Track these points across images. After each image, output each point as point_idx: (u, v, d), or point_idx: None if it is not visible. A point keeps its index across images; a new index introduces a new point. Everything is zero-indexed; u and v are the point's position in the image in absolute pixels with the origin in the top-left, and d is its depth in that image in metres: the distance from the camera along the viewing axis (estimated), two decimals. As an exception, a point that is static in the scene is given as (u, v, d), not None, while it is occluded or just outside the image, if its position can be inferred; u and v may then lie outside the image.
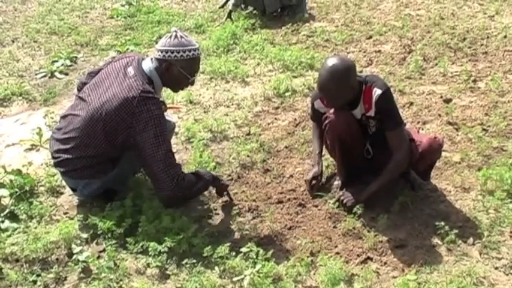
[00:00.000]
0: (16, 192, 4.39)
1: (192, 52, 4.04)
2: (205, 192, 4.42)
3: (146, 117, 3.90)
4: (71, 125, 4.14)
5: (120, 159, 4.18)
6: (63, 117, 4.31)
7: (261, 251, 3.73)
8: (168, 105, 4.63)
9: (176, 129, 5.34)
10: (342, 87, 3.97)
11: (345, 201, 4.19)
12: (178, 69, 4.05)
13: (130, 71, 4.08)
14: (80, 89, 4.51)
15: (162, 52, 4.02)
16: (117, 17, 8.99)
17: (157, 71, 4.08)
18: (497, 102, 5.58)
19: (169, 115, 4.74)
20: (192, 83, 4.24)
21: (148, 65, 4.11)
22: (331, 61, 3.98)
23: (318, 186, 4.45)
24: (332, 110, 4.18)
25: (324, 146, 4.52)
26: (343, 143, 4.22)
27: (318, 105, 4.35)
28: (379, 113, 4.07)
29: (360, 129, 4.22)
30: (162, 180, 3.98)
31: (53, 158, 4.28)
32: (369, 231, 3.99)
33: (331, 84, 3.96)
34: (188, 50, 4.02)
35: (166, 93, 5.98)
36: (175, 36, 4.03)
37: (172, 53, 4.00)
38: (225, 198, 4.40)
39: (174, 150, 4.87)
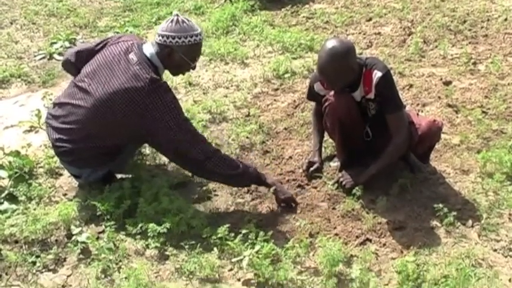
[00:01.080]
0: (15, 173, 4.38)
1: (194, 38, 3.98)
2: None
3: (160, 106, 3.85)
4: (73, 116, 4.05)
5: (126, 144, 4.16)
6: (60, 104, 4.21)
7: (260, 232, 3.73)
8: None
9: (175, 111, 5.34)
10: (341, 70, 3.96)
11: (344, 183, 4.19)
12: (180, 55, 4.00)
13: (133, 57, 3.99)
14: (67, 69, 4.48)
15: (163, 37, 3.96)
16: (116, -2, 8.96)
17: (158, 55, 4.02)
18: (497, 85, 5.57)
19: None
20: (194, 68, 4.21)
21: (149, 50, 4.03)
22: (331, 43, 3.96)
23: (314, 171, 4.44)
24: (332, 93, 4.17)
25: (323, 142, 4.58)
26: (343, 126, 4.22)
27: (317, 87, 4.33)
28: (379, 96, 4.06)
29: (359, 112, 4.21)
30: (194, 155, 3.94)
31: (55, 146, 4.20)
32: (368, 213, 4.00)
33: (331, 67, 3.94)
34: (190, 35, 3.96)
35: (165, 74, 5.94)
36: (177, 21, 3.96)
37: (173, 38, 3.94)
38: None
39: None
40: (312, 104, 4.70)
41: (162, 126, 3.87)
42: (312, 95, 4.46)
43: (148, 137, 4.01)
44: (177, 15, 3.99)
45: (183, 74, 4.34)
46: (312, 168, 4.41)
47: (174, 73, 4.29)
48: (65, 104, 4.16)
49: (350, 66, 3.98)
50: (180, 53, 3.99)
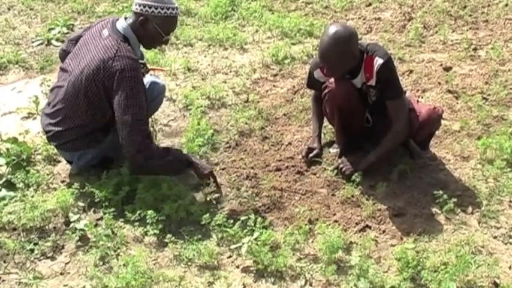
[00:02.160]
0: (13, 160, 4.36)
1: (170, 11, 3.97)
2: (204, 161, 4.41)
3: (120, 77, 3.85)
4: (57, 98, 4.12)
5: (113, 126, 4.11)
6: (51, 90, 4.30)
7: (259, 219, 3.73)
8: (150, 67, 4.56)
9: (174, 97, 5.33)
10: (343, 56, 3.92)
11: (343, 169, 4.18)
12: (154, 26, 3.98)
13: (105, 32, 4.03)
14: (61, 57, 4.48)
15: (140, 6, 3.95)
16: (114, -17, 8.89)
17: (131, 27, 4.02)
18: (498, 71, 5.54)
19: (157, 78, 4.71)
20: (166, 43, 4.19)
21: (121, 24, 4.05)
22: (333, 29, 3.92)
23: (314, 157, 4.42)
24: (332, 80, 4.14)
25: (322, 128, 4.57)
26: (342, 112, 4.20)
27: (317, 75, 4.30)
28: (380, 83, 4.03)
29: (359, 98, 4.19)
30: (127, 143, 3.89)
31: (45, 132, 4.25)
32: (367, 200, 3.99)
33: (333, 53, 3.90)
34: (167, 7, 3.95)
35: (164, 61, 5.94)
36: None
37: (150, 8, 3.93)
38: (211, 187, 4.11)
39: (171, 118, 4.91)
40: (311, 90, 4.67)
41: (116, 98, 3.88)
42: (311, 82, 4.43)
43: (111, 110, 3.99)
44: None
45: (155, 47, 4.36)
46: (311, 155, 4.39)
47: (147, 45, 4.23)
48: (53, 88, 4.27)
49: (352, 52, 3.95)
50: (154, 24, 3.97)
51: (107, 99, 3.96)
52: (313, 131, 4.55)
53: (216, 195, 4.07)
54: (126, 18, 4.07)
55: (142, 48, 4.24)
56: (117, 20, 4.12)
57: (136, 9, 3.98)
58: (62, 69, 4.22)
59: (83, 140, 4.13)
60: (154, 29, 3.99)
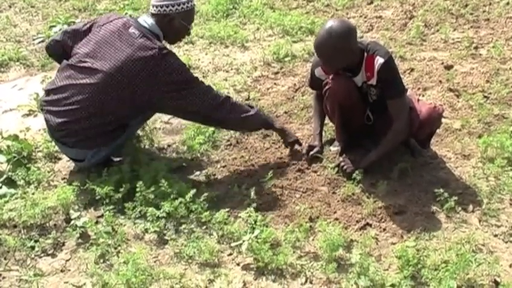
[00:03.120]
0: (14, 157, 4.36)
1: (190, 3, 4.17)
2: (204, 158, 4.42)
3: (171, 71, 3.99)
4: (78, 96, 4.01)
5: (130, 123, 4.20)
6: (57, 89, 4.13)
7: (260, 217, 3.73)
8: None
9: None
10: (338, 50, 3.90)
11: (344, 167, 4.17)
12: (180, 21, 4.15)
13: (134, 31, 4.07)
14: (52, 47, 4.46)
15: (161, 7, 4.09)
16: (116, -19, 8.89)
17: (158, 25, 4.14)
18: (499, 69, 5.54)
19: None
20: (189, 33, 4.37)
21: (147, 21, 4.14)
22: (331, 23, 3.92)
23: (315, 154, 4.41)
24: (332, 77, 4.14)
25: (323, 126, 4.56)
26: (343, 109, 4.20)
27: (318, 73, 4.30)
28: (381, 82, 4.02)
29: (360, 96, 4.18)
30: (207, 106, 4.13)
31: (57, 131, 4.14)
32: (368, 197, 3.98)
33: (328, 45, 3.89)
34: (186, 1, 4.13)
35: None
36: None
37: (173, 6, 4.09)
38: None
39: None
40: (311, 95, 4.67)
41: (175, 90, 4.03)
42: (313, 81, 4.42)
43: (162, 104, 4.11)
44: None
45: (180, 40, 4.50)
46: (312, 152, 4.38)
47: (173, 41, 4.44)
48: (65, 86, 4.11)
49: (348, 47, 3.93)
50: (180, 19, 4.15)
51: (145, 97, 4.03)
52: (314, 129, 4.54)
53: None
54: (147, 16, 4.17)
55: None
56: (136, 19, 4.21)
57: (159, 10, 4.11)
58: (79, 68, 4.08)
59: (102, 138, 4.12)
60: (180, 24, 4.18)
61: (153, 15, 4.12)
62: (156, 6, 4.09)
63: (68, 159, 4.39)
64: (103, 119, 4.05)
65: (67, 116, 4.06)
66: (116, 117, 4.09)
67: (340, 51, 3.92)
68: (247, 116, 4.22)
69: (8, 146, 4.44)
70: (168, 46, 4.19)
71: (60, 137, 4.18)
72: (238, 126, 4.40)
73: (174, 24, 4.14)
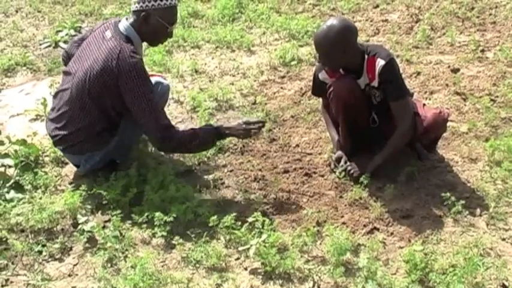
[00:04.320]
0: (21, 162, 4.37)
1: (169, 1, 4.03)
2: (211, 162, 4.42)
3: (127, 77, 3.90)
4: (62, 100, 4.14)
5: (119, 127, 4.17)
6: (54, 96, 4.31)
7: (267, 221, 3.72)
8: (150, 74, 4.58)
9: (181, 99, 5.35)
10: (337, 44, 3.93)
11: (351, 171, 4.17)
12: (157, 18, 4.02)
13: (108, 34, 4.06)
14: (64, 59, 4.52)
15: (139, 3, 4.01)
16: (122, -15, 8.90)
17: (134, 26, 4.07)
18: (506, 73, 5.52)
19: (163, 78, 4.71)
20: (171, 35, 4.23)
21: (123, 24, 4.09)
22: (331, 20, 3.99)
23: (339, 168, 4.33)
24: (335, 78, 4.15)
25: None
26: (347, 109, 4.19)
27: (322, 76, 4.29)
28: (383, 84, 4.03)
29: (364, 97, 4.18)
30: (151, 137, 4.09)
31: (51, 137, 4.26)
32: (375, 201, 3.98)
33: (325, 40, 3.93)
34: None
35: (171, 63, 5.95)
36: None
37: (149, 2, 3.98)
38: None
39: (179, 120, 4.91)
40: (319, 100, 4.66)
41: (129, 98, 3.94)
42: (316, 88, 4.42)
43: (124, 111, 4.04)
44: None
45: (162, 42, 4.34)
46: (342, 162, 4.30)
47: (152, 41, 4.29)
48: (57, 93, 4.28)
49: (347, 44, 3.96)
50: (157, 16, 4.02)
51: (112, 100, 4.00)
52: (333, 139, 4.49)
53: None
54: (127, 19, 4.11)
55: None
56: (119, 21, 4.16)
57: (136, 7, 4.03)
58: (65, 73, 4.24)
59: (90, 142, 4.13)
60: (157, 22, 4.03)
61: (133, 13, 4.06)
62: (135, 3, 4.03)
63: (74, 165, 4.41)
64: (83, 123, 4.08)
65: (56, 121, 4.18)
66: (95, 120, 4.08)
67: (338, 47, 3.94)
68: (198, 144, 4.10)
69: (16, 151, 4.45)
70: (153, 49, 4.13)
71: (54, 143, 4.29)
72: (191, 152, 4.36)
73: (151, 22, 4.02)
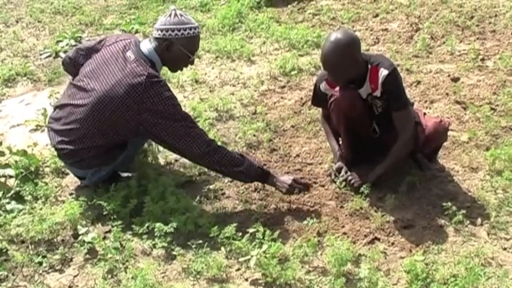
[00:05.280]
0: (21, 173, 4.37)
1: (192, 30, 4.03)
2: (212, 173, 4.41)
3: (157, 101, 3.87)
4: (73, 116, 4.07)
5: (127, 143, 4.15)
6: (60, 107, 4.24)
7: (268, 232, 3.71)
8: None
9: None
10: (345, 60, 3.91)
11: (352, 181, 4.16)
12: (179, 48, 4.03)
13: (130, 55, 4.02)
14: (66, 64, 4.47)
15: (162, 31, 4.00)
16: (122, -5, 8.93)
17: (156, 50, 4.06)
18: (506, 81, 5.52)
19: None
20: (192, 63, 4.24)
21: (147, 46, 4.08)
22: (335, 34, 3.94)
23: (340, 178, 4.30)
24: (337, 89, 4.14)
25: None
26: (348, 120, 4.19)
27: (324, 87, 4.27)
28: (386, 94, 4.03)
29: (365, 107, 4.18)
30: (193, 151, 3.97)
31: (56, 149, 4.23)
32: (376, 211, 3.97)
33: (335, 56, 3.90)
34: (189, 28, 4.01)
35: (171, 73, 5.94)
36: (175, 14, 4.01)
37: (173, 31, 3.98)
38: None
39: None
40: (319, 111, 4.66)
41: (160, 121, 3.90)
42: (317, 99, 4.40)
43: (148, 133, 4.01)
44: (175, 9, 4.04)
45: (181, 69, 4.33)
46: (342, 172, 4.29)
47: (173, 68, 4.30)
48: (65, 105, 4.19)
49: (354, 57, 3.95)
50: (179, 45, 4.03)
51: (133, 124, 3.94)
52: (333, 149, 4.48)
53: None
54: (150, 41, 4.09)
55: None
56: (140, 42, 4.15)
57: (159, 34, 4.02)
58: (78, 87, 4.14)
59: (99, 159, 4.12)
60: (180, 51, 4.05)
61: (155, 39, 4.06)
62: (157, 30, 4.03)
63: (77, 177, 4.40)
64: (95, 141, 4.05)
65: (64, 135, 4.12)
66: (108, 140, 4.07)
67: (347, 61, 3.93)
68: (237, 172, 4.03)
69: (16, 161, 4.44)
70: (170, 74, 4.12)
71: (60, 156, 4.26)
72: (228, 176, 4.25)
73: (173, 50, 4.04)
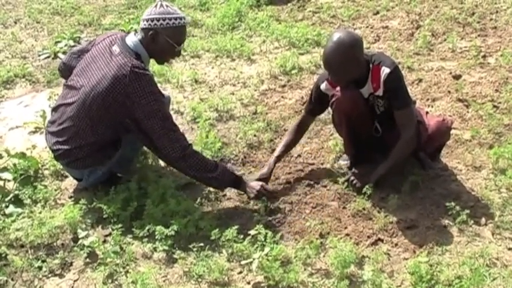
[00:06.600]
0: (20, 175, 4.33)
1: (178, 20, 3.99)
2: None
3: (141, 94, 3.85)
4: (65, 115, 4.08)
5: (122, 140, 4.13)
6: (55, 109, 4.24)
7: (270, 234, 3.68)
8: None
9: (181, 109, 5.31)
10: (348, 60, 3.87)
11: (354, 182, 4.13)
12: (165, 38, 3.99)
13: (116, 49, 4.02)
14: (61, 70, 4.48)
15: (148, 21, 3.98)
16: (120, -5, 8.89)
17: (142, 42, 4.04)
18: (508, 78, 5.49)
19: (163, 90, 4.67)
20: (178, 54, 4.21)
21: (132, 39, 4.06)
22: (337, 34, 3.90)
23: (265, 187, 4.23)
24: (339, 89, 4.10)
25: (285, 154, 4.49)
26: (350, 120, 4.16)
27: (325, 87, 4.22)
28: (388, 93, 3.99)
29: (367, 107, 4.14)
30: (168, 151, 3.94)
31: (52, 151, 4.22)
32: (379, 212, 3.94)
33: (337, 57, 3.85)
34: (174, 18, 3.98)
35: (171, 73, 5.91)
36: (161, 5, 3.99)
37: (158, 21, 3.95)
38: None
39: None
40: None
41: (142, 116, 3.88)
42: (317, 98, 4.31)
43: (133, 127, 3.98)
44: (160, 0, 4.02)
45: (168, 60, 4.33)
46: (258, 188, 4.15)
47: (160, 59, 4.26)
48: (58, 106, 4.21)
49: (356, 58, 3.91)
50: (165, 36, 3.99)
51: (120, 116, 3.94)
52: (276, 151, 4.45)
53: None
54: (135, 34, 4.07)
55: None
56: (126, 35, 4.13)
57: (145, 25, 3.99)
58: (68, 86, 4.18)
59: (93, 157, 4.10)
60: (165, 41, 4.00)
61: (142, 30, 4.03)
62: (143, 20, 4.01)
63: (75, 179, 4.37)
64: (87, 138, 4.04)
65: (58, 136, 4.12)
66: (100, 136, 4.05)
67: (350, 62, 3.89)
68: (210, 178, 4.03)
69: (15, 164, 4.41)
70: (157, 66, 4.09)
71: (56, 157, 4.24)
72: (201, 182, 4.19)
73: (159, 40, 3.99)
